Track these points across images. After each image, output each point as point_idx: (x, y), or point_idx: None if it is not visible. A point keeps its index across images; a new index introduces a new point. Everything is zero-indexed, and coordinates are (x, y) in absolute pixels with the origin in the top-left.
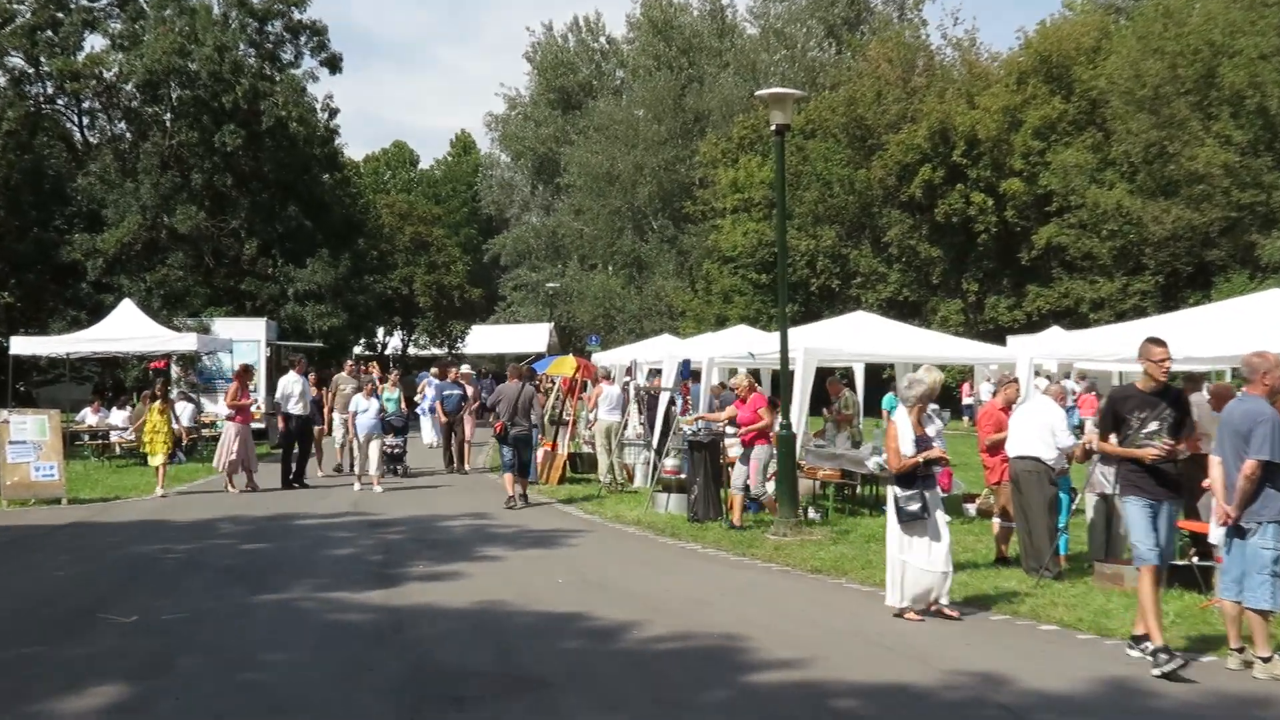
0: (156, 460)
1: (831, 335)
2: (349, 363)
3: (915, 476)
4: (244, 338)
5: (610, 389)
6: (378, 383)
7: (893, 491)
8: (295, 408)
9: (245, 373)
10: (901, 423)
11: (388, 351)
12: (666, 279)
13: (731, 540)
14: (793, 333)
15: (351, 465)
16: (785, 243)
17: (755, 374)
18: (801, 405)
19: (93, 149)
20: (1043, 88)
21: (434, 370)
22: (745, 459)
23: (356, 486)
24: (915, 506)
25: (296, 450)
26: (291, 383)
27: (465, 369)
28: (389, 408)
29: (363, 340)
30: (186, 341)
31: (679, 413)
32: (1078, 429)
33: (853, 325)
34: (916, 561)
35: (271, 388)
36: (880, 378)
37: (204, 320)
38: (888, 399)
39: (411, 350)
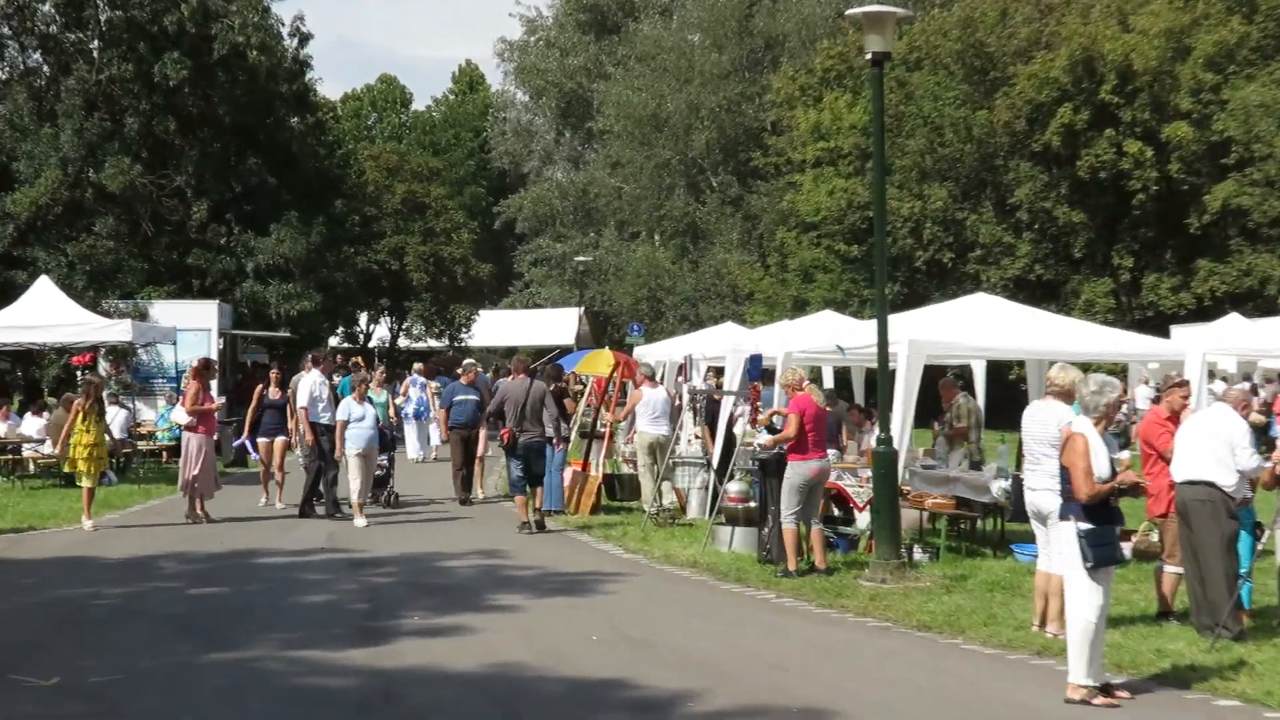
0: (87, 481)
1: (943, 324)
2: (314, 359)
3: (1108, 508)
4: (191, 325)
5: (654, 393)
6: (371, 383)
7: (1075, 527)
8: (325, 416)
9: (206, 369)
10: (1093, 437)
11: (373, 343)
12: (729, 251)
13: (815, 588)
14: (893, 320)
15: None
16: (884, 205)
17: (842, 374)
18: (905, 414)
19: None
20: (1218, 4)
21: (418, 367)
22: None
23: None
24: (1108, 548)
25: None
26: (318, 384)
27: (469, 368)
28: (381, 412)
29: (340, 329)
30: (118, 331)
31: (747, 424)
32: (1268, 446)
33: (970, 311)
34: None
35: (234, 390)
36: (1005, 378)
37: (140, 303)
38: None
39: (403, 342)
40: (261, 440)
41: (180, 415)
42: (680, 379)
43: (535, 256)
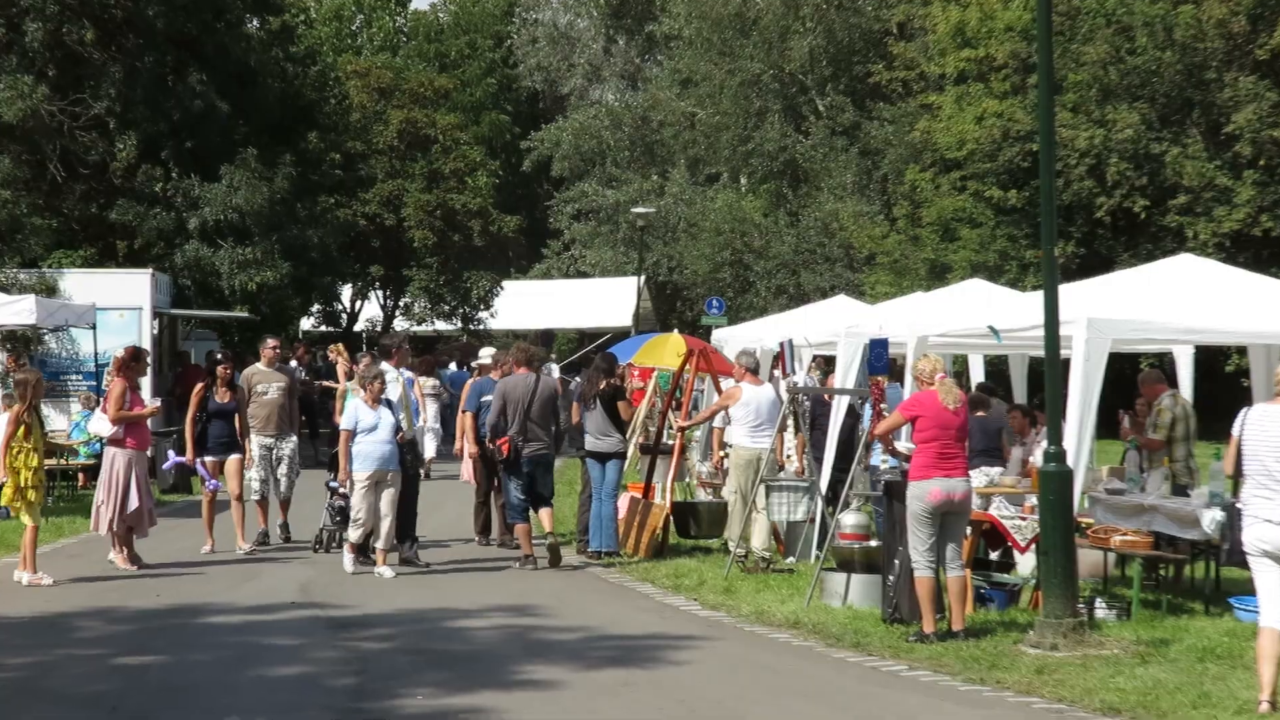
0: (30, 518)
1: (1135, 296)
2: (270, 347)
3: None
4: (116, 303)
5: (757, 392)
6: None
7: None
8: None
9: (135, 363)
10: None
11: (360, 326)
12: (841, 199)
13: (961, 656)
14: (1066, 292)
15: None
16: (1052, 135)
17: (995, 364)
18: (1082, 419)
19: None
20: None
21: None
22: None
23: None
24: None
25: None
26: (388, 382)
27: (486, 357)
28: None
29: (316, 306)
30: (18, 310)
31: (867, 434)
32: None
33: (1172, 278)
34: None
35: (176, 391)
36: (1220, 370)
37: (48, 274)
38: None
39: (401, 323)
40: (209, 460)
41: (101, 424)
42: (776, 373)
43: (578, 208)
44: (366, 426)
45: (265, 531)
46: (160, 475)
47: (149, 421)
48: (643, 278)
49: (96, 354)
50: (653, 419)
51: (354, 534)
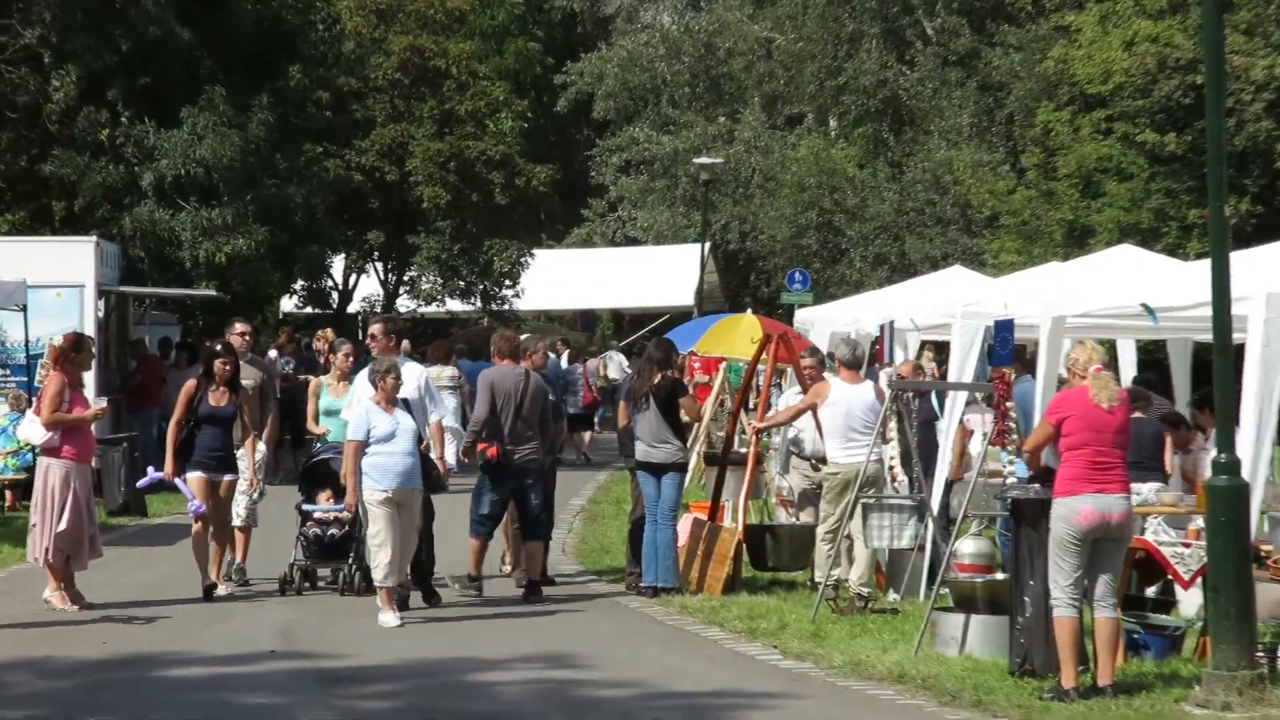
0: None
1: None
2: (238, 333)
3: None
4: (51, 279)
5: (853, 392)
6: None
7: None
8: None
9: (75, 353)
10: None
11: (355, 306)
12: (956, 145)
13: (1109, 717)
14: (1242, 259)
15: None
16: (1221, 63)
17: (1151, 352)
18: (1262, 419)
19: None
20: None
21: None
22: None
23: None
24: None
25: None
26: (422, 383)
27: (529, 344)
28: (339, 422)
29: (301, 283)
30: None
31: (989, 441)
32: None
33: None
34: None
35: (125, 388)
36: None
37: None
38: None
39: (405, 303)
40: (193, 476)
41: (33, 430)
42: (876, 365)
43: (626, 158)
44: (382, 435)
45: (240, 565)
46: (107, 494)
47: (93, 426)
48: (707, 245)
49: (28, 343)
50: (720, 421)
51: (380, 573)
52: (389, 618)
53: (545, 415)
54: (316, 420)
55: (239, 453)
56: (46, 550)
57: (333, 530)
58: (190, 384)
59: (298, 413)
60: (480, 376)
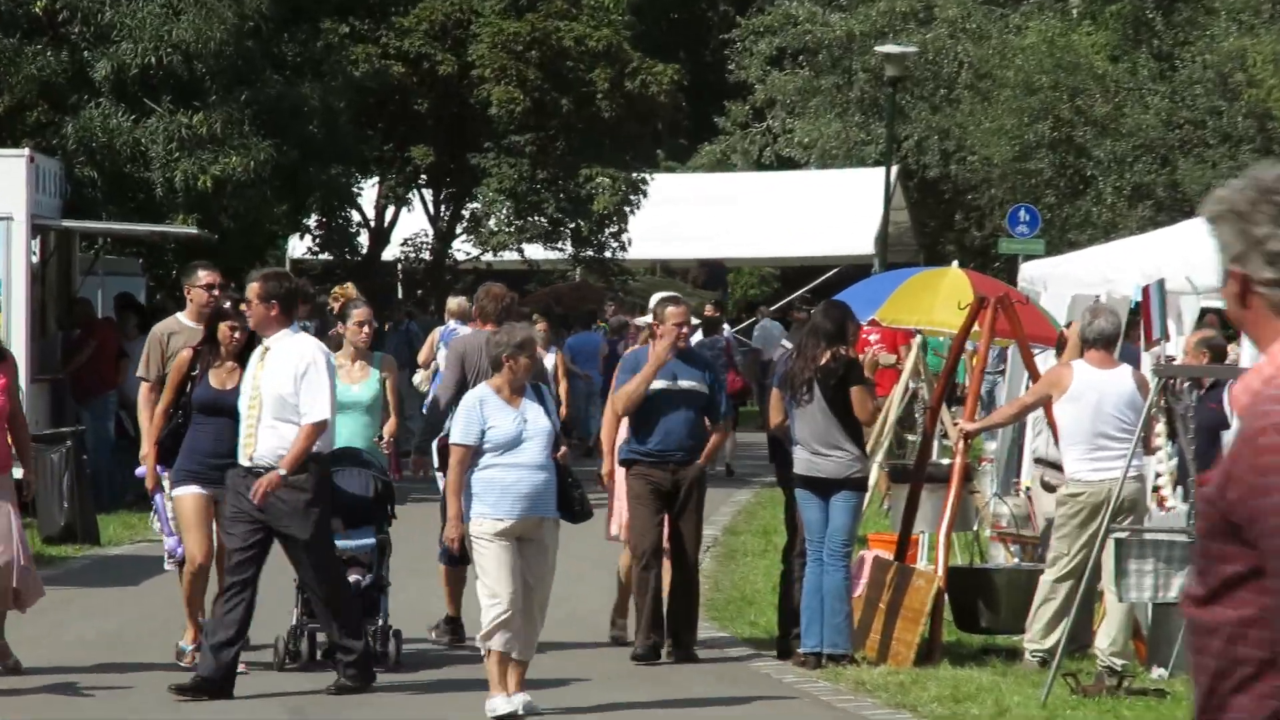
0: None
1: None
2: (203, 284)
3: None
4: None
5: (1100, 379)
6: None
7: None
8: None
9: None
10: None
11: (393, 253)
12: (1253, 28)
13: None
14: None
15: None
16: None
17: None
18: None
19: None
20: None
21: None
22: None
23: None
24: None
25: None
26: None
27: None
28: (356, 422)
29: (313, 218)
30: None
31: None
32: None
33: None
34: None
35: (64, 359)
36: None
37: None
38: None
39: (465, 249)
40: (184, 493)
41: None
42: (1135, 342)
43: (778, 45)
44: (503, 439)
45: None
46: (43, 514)
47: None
48: (894, 170)
49: None
50: (913, 422)
51: (498, 638)
52: (499, 703)
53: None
54: None
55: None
56: None
57: (355, 575)
58: (184, 354)
59: None
60: (450, 346)
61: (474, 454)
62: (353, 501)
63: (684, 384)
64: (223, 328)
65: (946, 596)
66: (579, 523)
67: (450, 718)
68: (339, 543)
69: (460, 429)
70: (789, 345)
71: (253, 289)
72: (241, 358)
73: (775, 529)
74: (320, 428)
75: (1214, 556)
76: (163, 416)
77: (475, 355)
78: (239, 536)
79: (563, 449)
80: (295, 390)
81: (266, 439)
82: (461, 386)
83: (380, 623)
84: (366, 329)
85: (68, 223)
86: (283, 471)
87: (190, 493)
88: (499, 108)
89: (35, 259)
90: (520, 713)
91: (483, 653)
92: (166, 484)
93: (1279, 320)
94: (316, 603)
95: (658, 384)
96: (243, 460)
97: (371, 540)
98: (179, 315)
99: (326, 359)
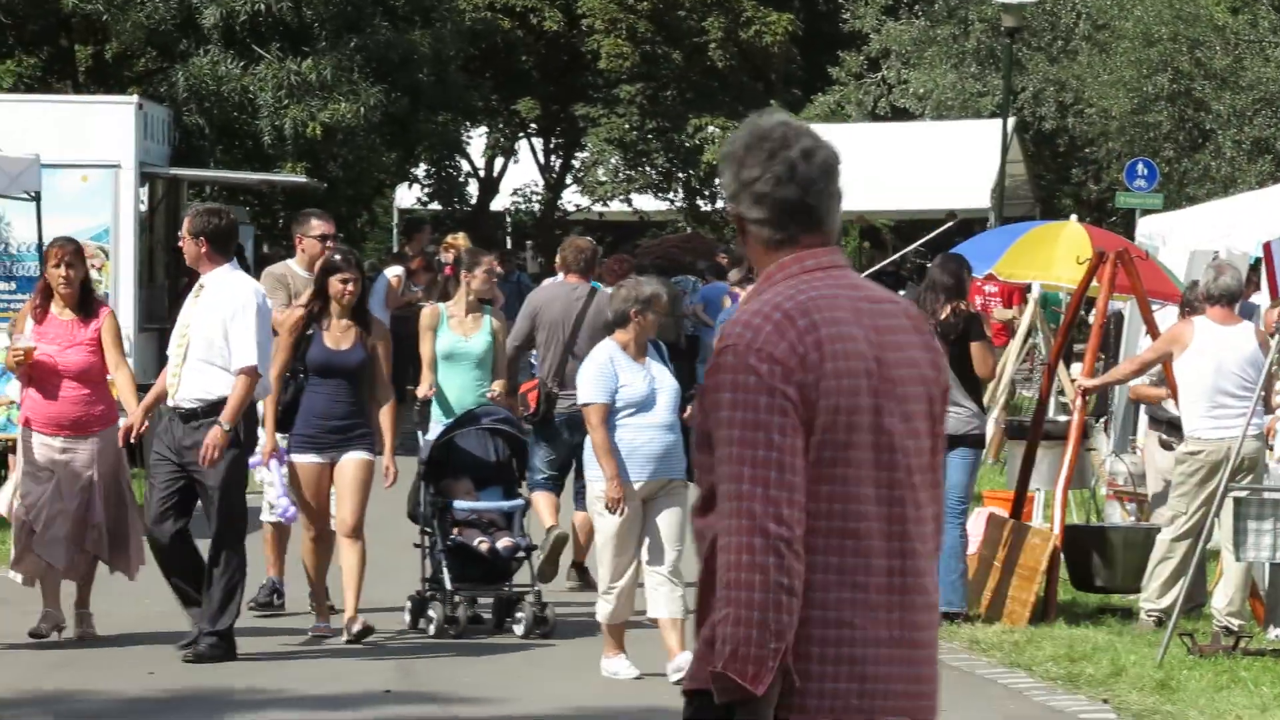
0: None
1: None
2: (317, 233)
3: None
4: (74, 156)
5: (1222, 335)
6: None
7: None
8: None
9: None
10: None
11: (503, 203)
12: None
13: None
14: None
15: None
16: None
17: None
18: None
19: None
20: None
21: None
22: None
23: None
24: None
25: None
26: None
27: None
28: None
29: (423, 168)
30: None
31: None
32: None
33: None
34: None
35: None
36: None
37: None
38: None
39: (575, 199)
40: (303, 461)
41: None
42: (1256, 300)
43: None
44: (635, 398)
45: (276, 582)
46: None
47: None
48: (1011, 122)
49: (41, 245)
50: (1031, 377)
51: (603, 607)
52: (618, 664)
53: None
54: (433, 369)
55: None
56: (22, 555)
57: (503, 541)
58: (294, 314)
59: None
60: (527, 301)
61: (609, 414)
62: (475, 463)
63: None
64: (334, 282)
65: (1062, 555)
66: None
67: (555, 682)
68: (467, 504)
69: (595, 387)
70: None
71: (185, 224)
72: (355, 314)
73: None
74: (251, 374)
75: None
76: (279, 381)
77: (549, 307)
78: (160, 485)
79: (688, 409)
80: (224, 333)
81: (190, 381)
82: (529, 338)
83: (506, 590)
84: (493, 278)
85: (176, 171)
86: (226, 426)
87: (308, 461)
88: (607, 62)
89: (143, 207)
90: (638, 676)
91: (598, 616)
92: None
93: (769, 255)
94: (214, 557)
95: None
96: (169, 400)
97: (500, 503)
98: (289, 261)
99: (260, 301)
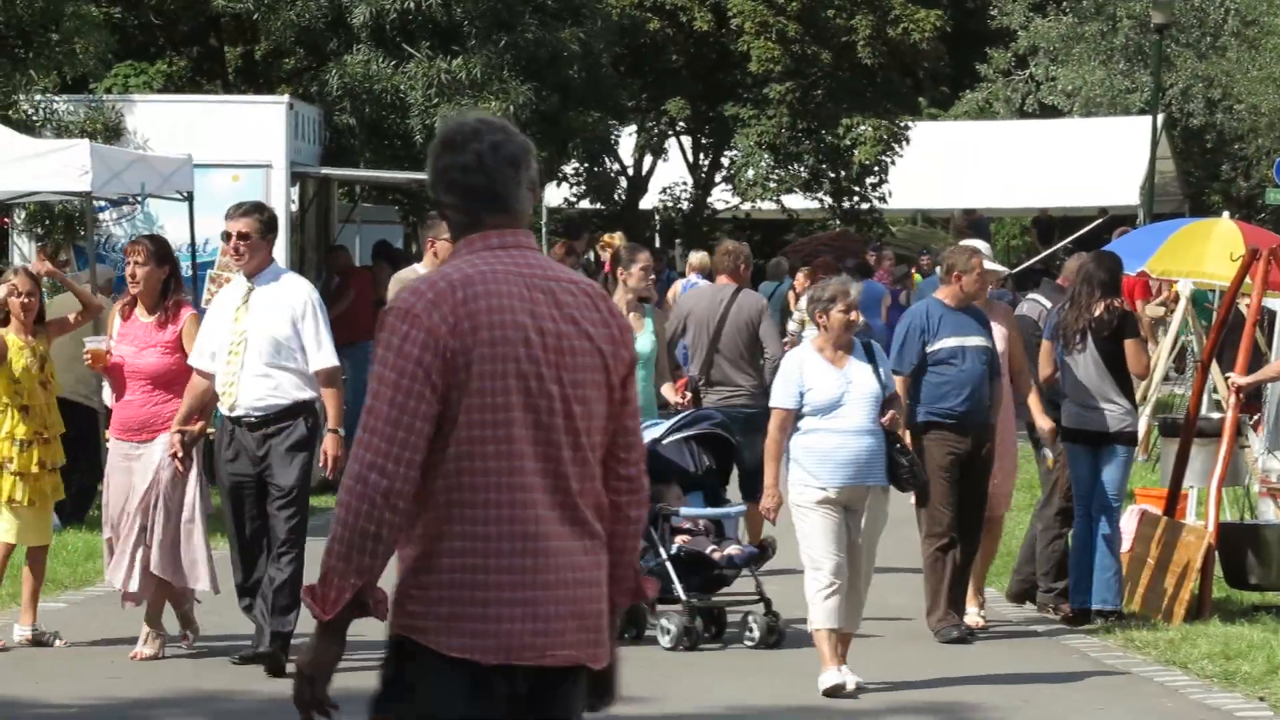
0: (22, 536)
1: None
2: (446, 238)
3: None
4: (226, 156)
5: None
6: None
7: None
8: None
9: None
10: None
11: (651, 201)
12: None
13: None
14: None
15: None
16: None
17: None
18: None
19: None
20: None
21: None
22: None
23: None
24: None
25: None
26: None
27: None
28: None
29: (573, 165)
30: (61, 165)
31: None
32: None
33: None
34: None
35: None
36: None
37: (106, 103)
38: None
39: (724, 197)
40: None
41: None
42: None
43: None
44: (825, 401)
45: None
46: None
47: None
48: (1160, 118)
49: (194, 245)
50: (1182, 372)
51: (823, 611)
52: (832, 676)
53: (755, 349)
54: None
55: None
56: (126, 570)
57: (733, 549)
58: None
59: None
60: (679, 302)
61: (794, 417)
62: (677, 469)
63: (975, 341)
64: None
65: (1217, 553)
66: (906, 491)
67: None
68: (690, 511)
69: (779, 391)
70: (1040, 300)
71: (242, 224)
72: None
73: (1029, 481)
74: (337, 373)
75: None
76: None
77: (697, 307)
78: (251, 512)
79: (890, 413)
80: (294, 334)
81: (254, 387)
82: (674, 338)
83: (763, 599)
84: (651, 276)
85: (326, 170)
86: (341, 431)
87: None
88: (758, 64)
89: (294, 207)
90: (848, 686)
91: (809, 628)
92: None
93: (462, 235)
94: (275, 561)
95: (950, 341)
96: (226, 410)
97: (705, 510)
98: (417, 266)
99: (319, 299)
